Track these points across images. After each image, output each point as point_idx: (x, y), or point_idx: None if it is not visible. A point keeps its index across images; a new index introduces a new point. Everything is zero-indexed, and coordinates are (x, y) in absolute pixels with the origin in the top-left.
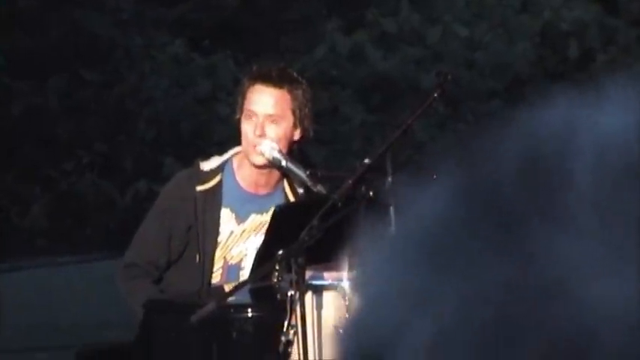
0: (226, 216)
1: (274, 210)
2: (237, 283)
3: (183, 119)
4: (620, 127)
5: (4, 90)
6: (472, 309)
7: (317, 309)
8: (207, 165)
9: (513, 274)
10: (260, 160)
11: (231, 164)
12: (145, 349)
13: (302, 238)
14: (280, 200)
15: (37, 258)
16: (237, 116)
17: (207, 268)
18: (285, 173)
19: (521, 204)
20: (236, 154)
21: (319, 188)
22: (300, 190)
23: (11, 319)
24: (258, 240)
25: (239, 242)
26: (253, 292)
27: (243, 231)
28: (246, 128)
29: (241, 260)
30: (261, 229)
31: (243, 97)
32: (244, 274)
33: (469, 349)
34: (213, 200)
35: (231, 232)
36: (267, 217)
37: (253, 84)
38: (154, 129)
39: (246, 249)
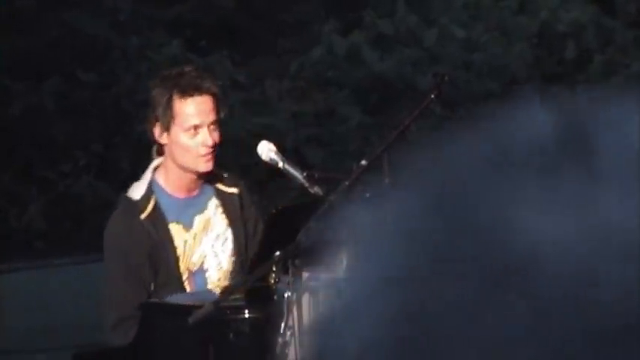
0: (176, 230)
1: (271, 212)
2: (233, 284)
3: None
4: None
5: (2, 91)
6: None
7: (314, 310)
8: (135, 194)
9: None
10: (210, 167)
11: (157, 182)
12: (143, 351)
13: (299, 240)
14: (213, 193)
15: (34, 259)
16: (154, 128)
17: (180, 280)
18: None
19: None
20: (155, 168)
21: (316, 190)
22: (225, 175)
23: (9, 321)
24: (210, 238)
25: (195, 248)
26: (250, 294)
27: (195, 236)
28: (190, 143)
29: (202, 263)
30: (208, 226)
31: (172, 113)
32: (210, 276)
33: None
34: (158, 221)
35: (186, 242)
36: (208, 214)
37: (184, 97)
38: None
39: (203, 250)
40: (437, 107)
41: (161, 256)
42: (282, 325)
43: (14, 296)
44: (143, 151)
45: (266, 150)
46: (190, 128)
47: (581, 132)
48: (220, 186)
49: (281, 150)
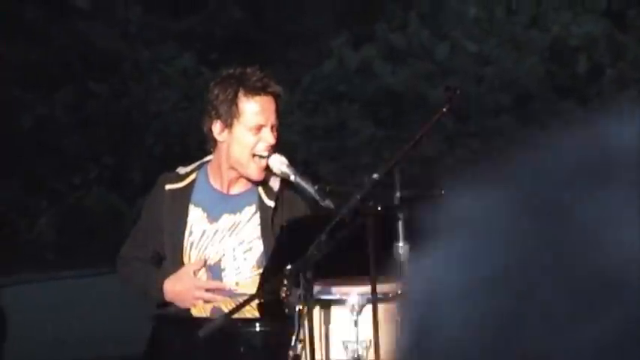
0: (197, 215)
1: (282, 224)
2: (245, 298)
3: (191, 132)
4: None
5: (14, 102)
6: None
7: (325, 324)
8: (183, 168)
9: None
10: (260, 172)
11: (205, 169)
12: None
13: (310, 253)
14: (253, 200)
15: (44, 271)
16: (213, 126)
17: (178, 266)
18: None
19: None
20: (210, 160)
21: (327, 203)
22: (275, 189)
23: (18, 333)
24: (233, 241)
25: (213, 242)
26: (262, 307)
27: (216, 231)
28: (252, 141)
29: (220, 261)
30: (234, 229)
31: (237, 111)
32: (226, 275)
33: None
34: (181, 199)
35: (204, 232)
36: (239, 217)
37: (250, 95)
38: (162, 142)
39: (223, 249)
40: (449, 121)
41: (165, 230)
42: (294, 338)
43: (24, 308)
44: (154, 163)
45: (278, 163)
46: (254, 127)
47: None
48: (263, 196)
49: (292, 163)
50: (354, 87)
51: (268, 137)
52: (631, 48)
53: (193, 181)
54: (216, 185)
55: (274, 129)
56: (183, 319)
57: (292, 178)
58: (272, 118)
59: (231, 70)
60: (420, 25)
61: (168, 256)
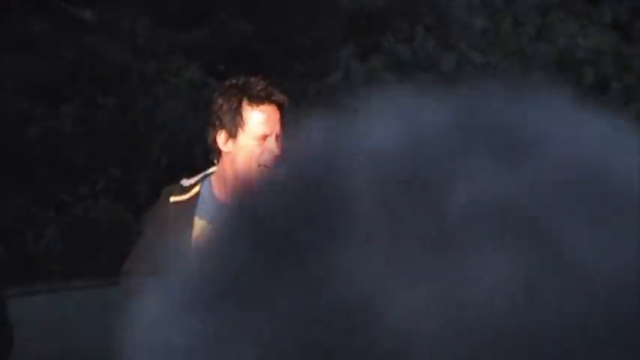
0: (202, 227)
1: None
2: None
3: (198, 144)
4: (389, 140)
5: (22, 114)
6: (273, 350)
7: None
8: (187, 181)
9: (308, 304)
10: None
11: (210, 178)
12: None
13: None
14: None
15: (51, 282)
16: (218, 136)
17: None
18: None
19: (297, 228)
20: (214, 171)
21: None
22: None
23: (24, 344)
24: None
25: None
26: None
27: None
28: (257, 150)
29: None
30: None
31: (241, 121)
32: None
33: None
34: (186, 212)
35: None
36: None
37: (255, 105)
38: (169, 154)
39: None
40: None
41: (174, 241)
42: None
43: (31, 320)
44: (161, 175)
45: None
46: (259, 136)
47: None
48: None
49: None
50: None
51: (273, 147)
52: (638, 60)
53: (198, 194)
54: (220, 196)
55: (278, 139)
56: None
57: None
58: (276, 128)
59: (235, 80)
60: (426, 37)
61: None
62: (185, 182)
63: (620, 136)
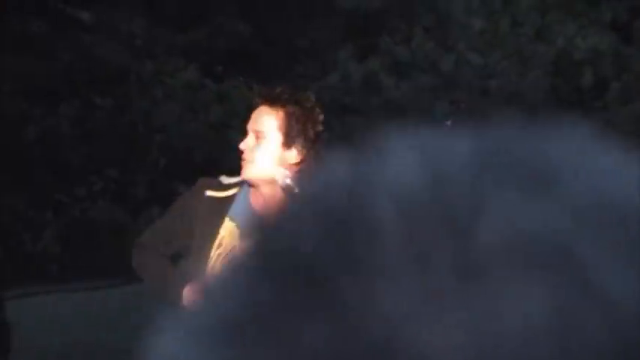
0: (231, 230)
1: None
2: None
3: (196, 145)
4: (414, 174)
5: (20, 115)
6: None
7: None
8: (227, 179)
9: (334, 338)
10: (246, 174)
11: (248, 184)
12: None
13: None
14: None
15: (49, 284)
16: None
17: (200, 274)
18: None
19: (326, 262)
20: None
21: None
22: None
23: (23, 346)
24: None
25: None
26: None
27: None
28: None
29: None
30: None
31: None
32: None
33: None
34: (219, 209)
35: (234, 247)
36: None
37: (258, 104)
38: (167, 155)
39: None
40: None
41: (200, 235)
42: None
43: (29, 320)
44: (158, 176)
45: (282, 176)
46: (247, 131)
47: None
48: None
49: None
50: (359, 100)
51: (243, 141)
52: (636, 61)
53: (235, 195)
54: (255, 204)
55: (257, 136)
56: None
57: (296, 190)
58: (257, 125)
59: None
60: (425, 38)
61: (192, 261)
62: (225, 180)
63: (634, 166)
